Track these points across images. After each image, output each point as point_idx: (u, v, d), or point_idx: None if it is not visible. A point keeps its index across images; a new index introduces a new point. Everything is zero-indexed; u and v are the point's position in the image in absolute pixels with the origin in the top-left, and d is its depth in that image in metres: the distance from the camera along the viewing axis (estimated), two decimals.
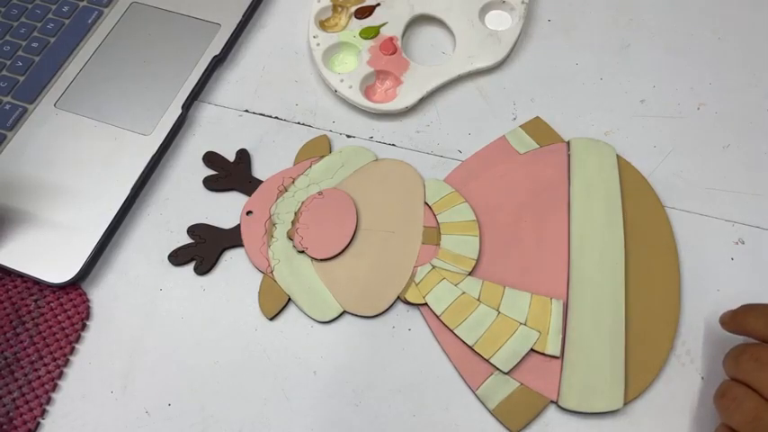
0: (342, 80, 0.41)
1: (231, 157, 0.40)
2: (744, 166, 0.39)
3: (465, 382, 0.33)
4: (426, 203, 0.37)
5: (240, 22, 0.44)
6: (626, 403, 0.32)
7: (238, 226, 0.37)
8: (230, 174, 0.39)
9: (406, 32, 0.44)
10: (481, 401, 0.32)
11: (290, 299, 0.35)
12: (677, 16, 0.45)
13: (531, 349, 0.33)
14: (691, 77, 0.42)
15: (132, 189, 0.38)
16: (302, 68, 0.44)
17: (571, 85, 0.42)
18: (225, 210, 0.38)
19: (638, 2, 0.46)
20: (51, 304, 0.35)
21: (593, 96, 0.42)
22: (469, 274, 0.35)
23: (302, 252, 0.36)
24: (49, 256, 0.36)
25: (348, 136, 0.41)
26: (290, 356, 0.34)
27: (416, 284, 0.35)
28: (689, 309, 0.34)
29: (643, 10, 0.46)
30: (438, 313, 0.34)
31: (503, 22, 0.44)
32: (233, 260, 0.37)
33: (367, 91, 0.42)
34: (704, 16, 0.45)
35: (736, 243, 0.36)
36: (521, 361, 0.32)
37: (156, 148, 0.39)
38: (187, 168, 0.40)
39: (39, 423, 0.33)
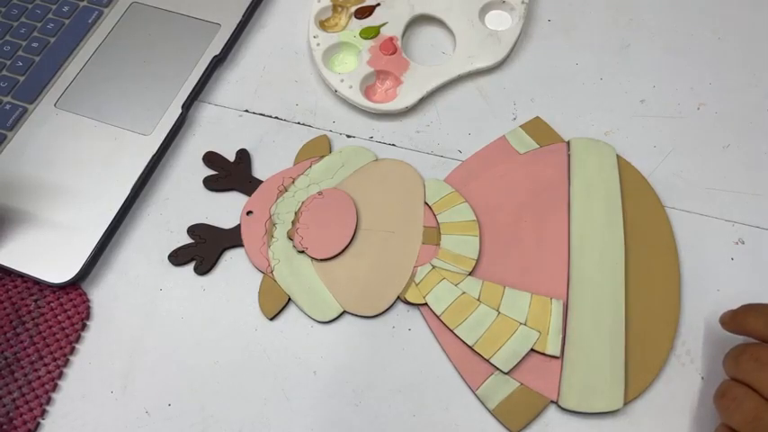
0: (342, 80, 0.41)
1: (231, 157, 0.40)
2: (744, 166, 0.39)
3: (465, 382, 0.33)
4: (426, 203, 0.37)
5: (240, 22, 0.44)
6: (626, 403, 0.32)
7: (238, 226, 0.37)
8: (230, 174, 0.39)
9: (406, 32, 0.44)
10: (481, 401, 0.32)
11: (290, 299, 0.35)
12: (677, 16, 0.45)
13: (531, 349, 0.33)
14: (691, 77, 0.42)
15: (132, 189, 0.38)
16: (302, 68, 0.44)
17: (571, 85, 0.42)
18: (225, 210, 0.38)
19: (638, 2, 0.46)
20: (51, 304, 0.35)
21: (593, 96, 0.42)
22: (469, 274, 0.35)
23: (302, 252, 0.36)
24: (49, 256, 0.36)
25: (348, 136, 0.41)
26: (290, 356, 0.34)
27: (416, 284, 0.35)
28: (689, 309, 0.34)
29: (643, 10, 0.46)
30: (438, 313, 0.34)
31: (503, 22, 0.44)
32: (233, 260, 0.37)
33: (367, 91, 0.42)
34: (704, 16, 0.45)
35: (736, 243, 0.36)
36: (521, 361, 0.32)
37: (156, 148, 0.39)
38: (187, 168, 0.40)
39: (39, 423, 0.33)
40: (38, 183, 0.38)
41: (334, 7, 0.45)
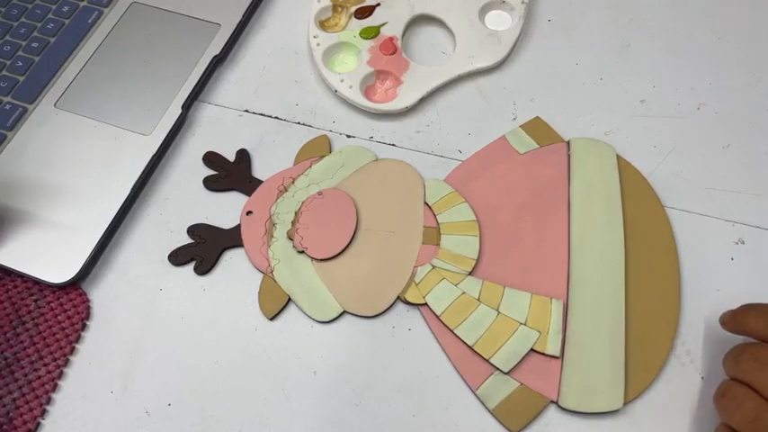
0: (342, 80, 0.41)
1: (231, 157, 0.40)
2: (744, 166, 0.39)
3: (465, 382, 0.33)
4: (426, 203, 0.37)
5: (240, 22, 0.44)
6: (626, 403, 0.32)
7: (238, 226, 0.37)
8: (230, 174, 0.39)
9: (406, 32, 0.44)
10: (481, 401, 0.32)
11: (290, 299, 0.35)
12: (677, 16, 0.45)
13: (531, 349, 0.33)
14: (691, 77, 0.42)
15: (132, 189, 0.38)
16: (302, 68, 0.44)
17: (571, 85, 0.42)
18: (225, 210, 0.38)
19: (638, 2, 0.46)
20: (51, 304, 0.35)
21: (593, 96, 0.42)
22: (469, 274, 0.35)
23: (302, 252, 0.36)
24: (48, 256, 0.36)
25: (348, 136, 0.41)
26: (290, 356, 0.34)
27: (416, 284, 0.35)
28: (689, 309, 0.34)
29: (643, 10, 0.46)
30: (438, 313, 0.34)
31: (503, 22, 0.44)
32: (233, 260, 0.37)
33: (367, 91, 0.42)
34: (704, 16, 0.45)
35: (736, 243, 0.36)
36: (521, 361, 0.32)
37: (156, 148, 0.39)
38: (187, 168, 0.40)
39: (39, 423, 0.33)
40: (38, 183, 0.38)
41: (334, 7, 0.45)
